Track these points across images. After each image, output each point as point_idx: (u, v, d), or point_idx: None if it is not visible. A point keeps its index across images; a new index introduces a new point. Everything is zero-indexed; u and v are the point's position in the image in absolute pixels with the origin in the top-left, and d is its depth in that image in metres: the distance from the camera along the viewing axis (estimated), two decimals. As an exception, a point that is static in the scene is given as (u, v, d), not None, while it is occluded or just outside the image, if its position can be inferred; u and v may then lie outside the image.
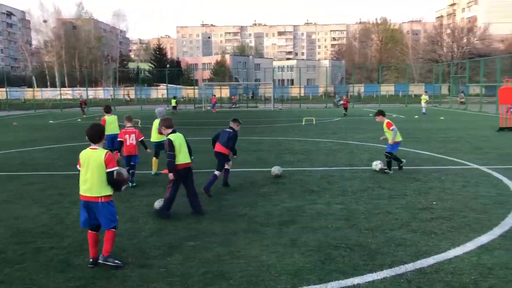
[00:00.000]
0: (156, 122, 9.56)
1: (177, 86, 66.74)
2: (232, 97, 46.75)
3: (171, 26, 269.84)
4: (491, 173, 9.32)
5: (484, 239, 5.38)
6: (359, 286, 4.23)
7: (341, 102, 29.88)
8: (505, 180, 8.60)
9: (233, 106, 44.19)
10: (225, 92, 57.43)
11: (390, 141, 9.56)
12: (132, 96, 62.70)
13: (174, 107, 36.25)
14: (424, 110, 29.52)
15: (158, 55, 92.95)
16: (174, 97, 38.23)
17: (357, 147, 13.66)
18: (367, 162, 10.87)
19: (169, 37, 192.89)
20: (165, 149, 6.62)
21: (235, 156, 8.55)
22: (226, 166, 8.28)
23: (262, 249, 5.22)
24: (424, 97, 30.25)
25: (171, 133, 6.61)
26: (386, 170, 9.49)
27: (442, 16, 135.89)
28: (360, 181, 8.78)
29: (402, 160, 9.86)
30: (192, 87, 52.02)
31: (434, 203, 7.04)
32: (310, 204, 7.11)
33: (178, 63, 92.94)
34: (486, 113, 28.27)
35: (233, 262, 4.85)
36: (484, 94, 44.84)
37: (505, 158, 11.18)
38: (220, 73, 75.48)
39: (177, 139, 6.54)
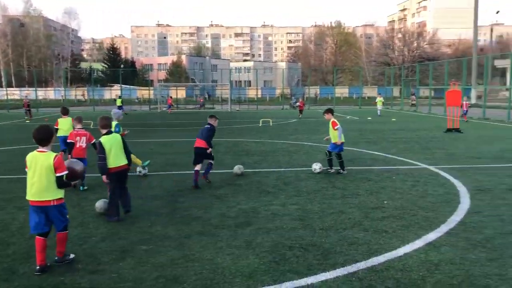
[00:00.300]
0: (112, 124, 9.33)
1: (132, 86, 65.34)
2: (200, 98, 45.50)
3: (125, 25, 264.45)
4: (439, 172, 9.70)
5: (431, 236, 5.58)
6: (312, 286, 4.27)
7: (298, 104, 29.89)
8: (452, 179, 8.97)
9: (201, 107, 43.64)
10: (181, 93, 56.82)
11: (334, 141, 9.73)
12: (86, 97, 60.79)
13: (120, 107, 34.66)
14: (379, 113, 30.31)
15: (112, 55, 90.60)
16: (119, 97, 36.77)
17: (312, 148, 13.85)
18: (322, 163, 11.02)
19: (123, 36, 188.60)
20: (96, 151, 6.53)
21: (210, 150, 8.77)
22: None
23: (216, 251, 5.17)
24: (380, 100, 31.01)
25: (106, 133, 6.49)
26: (340, 171, 9.65)
27: (393, 21, 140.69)
28: (315, 181, 8.91)
29: (331, 169, 9.78)
30: (147, 87, 51.08)
31: (385, 202, 7.24)
32: (266, 205, 7.13)
33: (132, 63, 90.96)
34: (435, 115, 29.50)
35: (187, 265, 4.78)
36: (433, 97, 46.74)
37: (452, 158, 11.68)
38: (176, 73, 74.57)
39: (108, 141, 6.40)
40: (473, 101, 45.30)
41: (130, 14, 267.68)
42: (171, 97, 42.96)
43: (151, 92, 49.99)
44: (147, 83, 57.72)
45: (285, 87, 69.07)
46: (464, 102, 23.40)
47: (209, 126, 8.97)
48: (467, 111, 23.77)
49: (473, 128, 19.93)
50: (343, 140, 9.82)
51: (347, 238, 5.55)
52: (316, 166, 9.73)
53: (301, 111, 29.29)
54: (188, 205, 7.16)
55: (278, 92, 69.52)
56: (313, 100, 51.85)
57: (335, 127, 9.72)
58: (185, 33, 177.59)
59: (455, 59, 50.32)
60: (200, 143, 8.68)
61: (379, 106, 30.85)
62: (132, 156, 9.18)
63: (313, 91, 64.43)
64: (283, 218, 6.43)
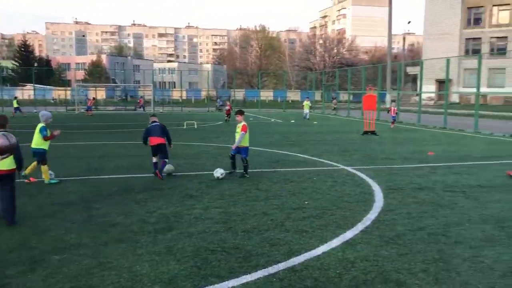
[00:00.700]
0: (37, 127, 8.79)
1: (47, 86, 61.54)
2: (139, 100, 43.04)
3: (39, 21, 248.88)
4: (356, 173, 10.17)
5: (348, 234, 5.81)
6: (234, 289, 4.25)
7: (226, 107, 28.55)
8: (367, 179, 9.44)
9: (139, 108, 41.77)
10: (101, 94, 54.52)
11: (242, 144, 9.56)
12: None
13: (16, 109, 32.16)
14: (307, 116, 30.27)
15: (24, 52, 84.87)
16: (15, 98, 33.97)
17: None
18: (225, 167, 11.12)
19: (37, 33, 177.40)
20: None
21: (171, 146, 9.95)
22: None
23: (135, 258, 4.98)
24: (307, 103, 31.04)
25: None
26: (245, 174, 9.53)
27: (315, 27, 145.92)
28: (239, 184, 8.93)
29: (235, 170, 9.76)
30: (64, 88, 48.38)
31: (306, 202, 7.44)
32: (188, 209, 7.01)
33: (47, 62, 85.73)
34: (353, 118, 30.95)
35: (103, 274, 4.55)
36: (352, 101, 49.09)
37: (367, 159, 12.30)
38: (96, 73, 71.44)
39: None
40: (388, 105, 48.23)
41: (44, 9, 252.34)
42: (93, 98, 40.92)
43: (68, 92, 47.41)
44: (64, 83, 54.74)
45: (211, 89, 68.95)
46: (392, 108, 23.44)
47: (160, 123, 10.00)
48: (395, 117, 23.17)
49: (387, 131, 21.17)
50: (245, 145, 9.66)
51: (269, 239, 5.61)
52: (218, 174, 9.26)
53: (228, 115, 27.78)
54: (106, 211, 6.84)
55: (203, 94, 69.15)
56: (241, 103, 52.27)
57: (242, 132, 9.52)
58: (106, 32, 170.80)
59: (371, 65, 53.23)
60: (159, 140, 9.65)
61: (306, 109, 30.81)
62: (39, 168, 8.70)
63: (239, 94, 64.88)
64: (205, 221, 6.36)
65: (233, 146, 9.67)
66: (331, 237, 5.70)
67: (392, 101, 31.83)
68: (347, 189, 8.45)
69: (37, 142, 8.74)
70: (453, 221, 6.42)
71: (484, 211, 6.92)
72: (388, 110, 23.31)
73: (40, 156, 8.71)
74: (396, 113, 23.19)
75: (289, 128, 23.02)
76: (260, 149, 14.24)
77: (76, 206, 7.13)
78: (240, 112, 9.93)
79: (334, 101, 40.62)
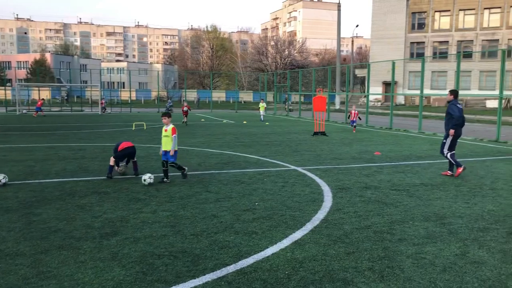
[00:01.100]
0: None
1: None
2: (101, 101, 40.50)
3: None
4: (306, 173, 10.29)
5: (297, 234, 5.84)
6: (181, 295, 4.15)
7: (184, 108, 26.13)
8: (317, 179, 9.57)
9: (104, 111, 39.43)
10: (45, 94, 52.25)
11: (168, 148, 9.00)
12: None
13: None
14: (262, 118, 30.11)
15: (-40, 49, 79.88)
16: None
17: (188, 152, 13.72)
18: (196, 166, 11.00)
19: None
20: None
21: None
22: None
23: (78, 266, 4.76)
24: (262, 105, 30.64)
25: None
26: (164, 180, 9.05)
27: (267, 29, 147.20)
28: (189, 186, 8.79)
29: (185, 167, 9.47)
30: (3, 87, 45.96)
31: (256, 203, 7.42)
32: (135, 213, 6.81)
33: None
34: (304, 119, 31.44)
35: (43, 284, 4.31)
36: (303, 102, 49.87)
37: (317, 159, 12.49)
38: (40, 73, 68.37)
39: None
40: (337, 106, 49.42)
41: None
42: (43, 99, 38.95)
43: (9, 92, 45.07)
44: (3, 82, 52.03)
45: (161, 89, 67.82)
46: (353, 111, 21.74)
47: None
48: (355, 121, 21.63)
49: (336, 131, 21.65)
50: (176, 149, 9.15)
51: (218, 242, 5.54)
52: (146, 177, 8.79)
53: (185, 116, 26.01)
54: (47, 217, 6.51)
55: (154, 94, 67.91)
56: (194, 104, 51.77)
57: (173, 135, 9.01)
58: (50, 30, 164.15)
59: (321, 67, 54.32)
60: (128, 143, 9.95)
61: (262, 111, 30.55)
62: None
63: (191, 94, 64.21)
64: (153, 225, 6.19)
65: (171, 152, 9.00)
66: (280, 238, 5.71)
67: (352, 104, 31.21)
68: (297, 190, 8.52)
69: None
70: (397, 219, 6.62)
71: (426, 209, 7.19)
72: (349, 115, 21.48)
73: None
74: (359, 117, 21.84)
75: (241, 129, 23.03)
76: (211, 150, 14.14)
77: (15, 213, 6.74)
78: (167, 115, 9.21)
79: (289, 102, 41.06)
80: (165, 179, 9.08)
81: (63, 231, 5.90)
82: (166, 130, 9.10)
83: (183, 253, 5.15)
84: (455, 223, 6.44)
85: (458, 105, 10.17)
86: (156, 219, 6.51)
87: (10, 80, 65.54)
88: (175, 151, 9.09)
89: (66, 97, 55.18)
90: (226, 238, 5.68)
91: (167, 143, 9.05)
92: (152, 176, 8.86)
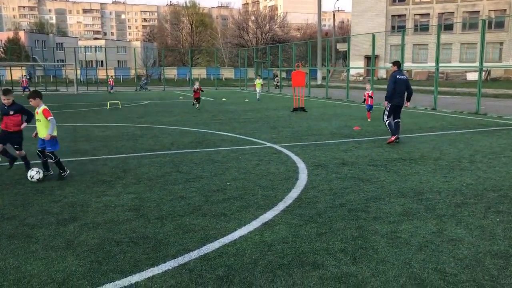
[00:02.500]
0: None
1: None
2: (109, 80, 38.70)
3: None
4: (282, 150, 9.98)
5: (268, 215, 5.54)
6: (137, 285, 3.82)
7: (195, 87, 20.66)
8: (293, 156, 9.27)
9: (26, 90, 38.35)
10: (19, 74, 50.64)
11: (46, 136, 7.32)
12: None
13: None
14: (258, 96, 27.02)
15: None
16: None
17: (162, 130, 13.27)
18: (169, 146, 10.60)
19: None
20: None
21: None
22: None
23: (27, 256, 4.38)
24: (259, 82, 27.68)
25: None
26: (62, 174, 7.46)
27: (247, 3, 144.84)
28: (159, 166, 8.40)
29: (66, 170, 7.58)
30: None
31: (228, 183, 7.09)
32: (99, 196, 6.41)
33: (-44, 38, 78.23)
34: (285, 95, 31.04)
35: (-15, 279, 3.93)
36: (284, 78, 49.35)
37: (295, 135, 12.18)
38: (14, 52, 66.17)
39: None
40: (319, 82, 49.07)
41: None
42: (28, 78, 37.71)
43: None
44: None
45: (141, 67, 66.40)
46: (367, 93, 15.86)
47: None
48: (372, 106, 15.92)
49: (316, 107, 21.35)
50: (55, 134, 7.51)
51: (183, 225, 5.21)
52: (33, 173, 7.25)
53: (197, 99, 20.71)
54: (1, 204, 6.08)
55: (132, 72, 66.48)
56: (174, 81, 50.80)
57: (48, 118, 7.32)
58: (23, 7, 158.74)
59: (302, 41, 53.66)
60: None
61: (258, 89, 27.30)
62: None
63: (170, 72, 63.08)
64: (115, 209, 5.81)
65: (46, 137, 7.30)
66: (250, 220, 5.40)
67: (366, 82, 25.90)
68: (272, 168, 8.21)
69: None
70: (373, 195, 6.36)
71: (404, 184, 6.96)
72: (364, 99, 15.91)
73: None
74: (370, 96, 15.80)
75: (219, 106, 22.55)
76: (186, 129, 13.71)
77: (-33, 199, 6.29)
78: (35, 94, 7.49)
79: (277, 78, 40.20)
80: (63, 173, 7.45)
81: (17, 218, 5.49)
82: (37, 113, 7.42)
83: (145, 239, 4.81)
84: (433, 198, 6.21)
85: (399, 76, 10.72)
86: (120, 202, 6.13)
87: (-18, 60, 63.37)
88: (53, 138, 7.40)
89: (28, 77, 52.25)
90: (192, 221, 5.35)
91: (41, 129, 7.39)
92: (41, 171, 7.35)
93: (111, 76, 39.71)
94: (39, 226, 5.21)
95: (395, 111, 10.87)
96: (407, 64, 45.72)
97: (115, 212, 5.70)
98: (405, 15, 57.38)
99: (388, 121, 10.89)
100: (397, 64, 10.89)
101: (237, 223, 5.27)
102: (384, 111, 11.07)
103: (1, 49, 72.52)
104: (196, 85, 20.58)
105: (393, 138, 10.67)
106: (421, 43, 54.14)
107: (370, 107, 15.78)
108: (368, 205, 5.92)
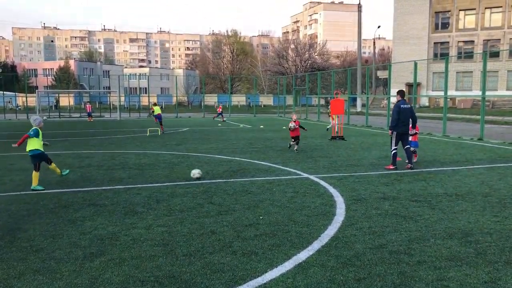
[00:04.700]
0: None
1: (8, 93, 59.24)
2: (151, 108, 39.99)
3: (6, 26, 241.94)
4: (319, 181, 9.61)
5: (302, 256, 5.19)
6: (158, 333, 3.56)
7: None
8: (331, 188, 8.89)
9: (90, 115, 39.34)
10: (68, 100, 52.85)
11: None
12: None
13: None
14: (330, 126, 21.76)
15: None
16: None
17: (198, 159, 13.20)
18: (204, 175, 10.43)
19: (3, 38, 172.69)
20: None
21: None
22: None
23: (50, 294, 4.24)
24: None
25: None
26: None
27: (287, 32, 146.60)
28: (192, 197, 8.23)
29: None
30: (28, 94, 46.57)
31: (261, 218, 6.80)
32: (128, 229, 6.27)
33: (12, 67, 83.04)
34: (323, 123, 30.60)
35: (6, 317, 3.80)
36: (323, 105, 48.99)
37: (333, 166, 11.77)
38: (64, 79, 69.41)
39: None
40: (358, 109, 48.35)
41: (11, 14, 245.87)
42: (89, 102, 39.52)
43: (33, 99, 45.68)
44: (31, 89, 52.84)
45: (183, 94, 67.90)
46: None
47: None
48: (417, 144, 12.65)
49: (355, 135, 20.82)
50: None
51: (212, 264, 4.94)
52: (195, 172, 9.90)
53: (296, 139, 15.08)
54: (33, 234, 6.04)
55: (175, 99, 68.02)
56: (245, 108, 51.45)
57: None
58: (75, 37, 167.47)
59: (341, 69, 53.32)
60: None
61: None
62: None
63: (211, 99, 64.13)
64: (144, 244, 5.63)
65: None
66: (282, 260, 5.07)
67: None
68: (308, 201, 7.86)
69: (40, 144, 8.98)
70: (417, 236, 5.89)
71: (450, 224, 6.43)
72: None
73: (42, 156, 9.02)
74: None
75: (256, 134, 22.42)
76: (222, 157, 13.57)
77: (0, 228, 6.29)
78: None
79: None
80: None
81: (45, 251, 5.40)
82: None
83: (170, 279, 4.57)
84: (483, 241, 5.67)
85: (403, 105, 11.10)
86: (149, 236, 5.96)
87: (36, 87, 66.72)
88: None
89: (55, 104, 53.10)
90: (221, 260, 5.07)
91: None
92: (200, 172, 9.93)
93: (154, 104, 40.79)
94: (66, 261, 5.08)
95: (401, 138, 11.21)
96: (450, 92, 44.41)
97: (143, 247, 5.51)
98: (448, 42, 56.08)
99: (394, 151, 11.25)
100: (401, 93, 11.36)
101: (268, 264, 4.95)
102: (391, 140, 11.38)
103: (53, 77, 76.14)
104: (294, 118, 15.15)
105: (391, 167, 11.12)
106: (465, 70, 52.52)
107: (415, 145, 12.34)
108: (411, 247, 5.46)
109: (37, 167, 8.88)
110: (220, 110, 35.43)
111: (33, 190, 8.68)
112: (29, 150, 8.92)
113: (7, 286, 4.42)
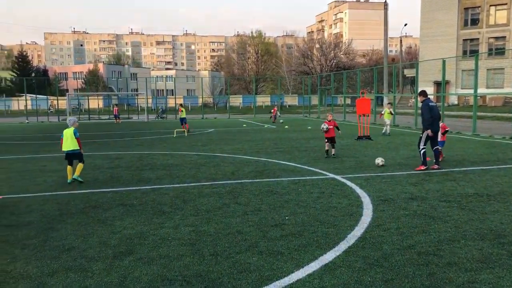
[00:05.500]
0: (67, 131, 9.83)
1: (41, 96, 60.95)
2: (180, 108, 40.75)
3: (38, 32, 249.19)
4: (346, 182, 9.53)
5: (328, 256, 5.16)
6: (186, 331, 3.61)
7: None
8: (357, 189, 8.80)
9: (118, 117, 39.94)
10: (97, 103, 54.01)
11: None
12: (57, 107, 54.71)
13: None
14: (388, 131, 20.69)
15: (22, 62, 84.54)
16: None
17: (224, 159, 13.28)
18: (229, 175, 10.51)
19: (36, 43, 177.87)
20: None
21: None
22: None
23: (81, 292, 4.35)
24: (388, 112, 21.10)
25: None
26: None
27: (312, 32, 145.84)
28: (218, 197, 8.29)
29: None
30: (58, 97, 47.86)
31: (286, 218, 6.79)
32: (156, 228, 6.37)
33: (44, 71, 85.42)
34: (349, 122, 30.31)
35: (40, 314, 3.92)
36: (349, 104, 48.56)
37: (359, 166, 11.65)
38: (93, 82, 70.97)
39: None
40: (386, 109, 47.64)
41: (43, 20, 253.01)
42: (116, 105, 40.92)
43: (63, 102, 46.92)
44: (61, 92, 54.27)
45: (208, 96, 68.46)
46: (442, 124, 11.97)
47: None
48: (444, 142, 12.47)
49: (383, 135, 20.52)
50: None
51: (238, 264, 4.97)
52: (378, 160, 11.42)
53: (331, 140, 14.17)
54: (65, 233, 6.21)
55: (200, 101, 68.65)
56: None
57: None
58: (104, 41, 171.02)
59: (367, 68, 52.69)
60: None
61: (388, 120, 20.84)
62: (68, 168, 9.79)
63: (236, 100, 64.44)
64: (171, 243, 5.72)
65: None
66: (309, 260, 5.05)
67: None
68: (334, 201, 7.81)
69: (74, 144, 9.84)
70: (446, 237, 5.77)
71: (481, 225, 6.28)
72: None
73: (79, 156, 9.97)
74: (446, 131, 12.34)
75: (281, 134, 22.40)
76: (248, 157, 13.62)
77: (34, 228, 6.50)
78: None
79: (389, 107, 31.40)
80: None
81: (77, 250, 5.55)
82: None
83: (197, 278, 4.62)
84: (516, 243, 5.52)
85: (431, 103, 10.86)
86: (177, 235, 6.04)
87: (67, 90, 68.47)
88: None
89: (78, 106, 54.22)
90: (247, 260, 5.10)
91: None
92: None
93: (181, 104, 41.41)
94: (96, 259, 5.20)
95: (432, 138, 10.81)
96: (481, 90, 43.27)
97: (171, 247, 5.59)
98: (478, 38, 54.67)
99: (423, 150, 10.85)
100: (424, 93, 11.13)
101: (295, 264, 4.95)
102: (420, 138, 10.92)
103: (83, 80, 77.95)
104: (330, 119, 13.96)
105: (422, 168, 10.76)
106: (496, 67, 51.09)
107: (442, 144, 12.09)
108: (441, 248, 5.36)
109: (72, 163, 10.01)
110: (275, 111, 33.53)
111: (74, 180, 9.83)
112: (71, 150, 9.89)
113: (41, 283, 4.56)
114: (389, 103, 22.85)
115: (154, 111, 50.21)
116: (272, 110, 34.55)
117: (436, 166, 10.92)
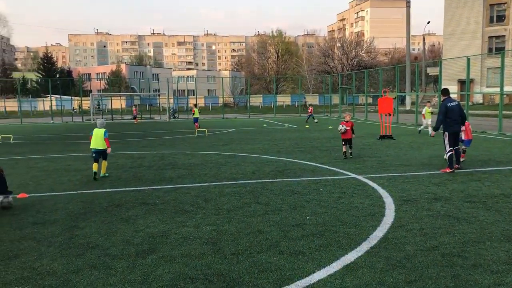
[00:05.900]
0: (98, 131, 10.58)
1: (65, 97, 62.18)
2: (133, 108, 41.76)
3: (63, 33, 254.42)
4: (367, 182, 9.44)
5: (350, 257, 5.12)
6: (208, 329, 3.64)
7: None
8: (379, 189, 8.71)
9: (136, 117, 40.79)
10: (119, 103, 54.81)
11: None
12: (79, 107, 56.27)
13: None
14: (430, 131, 16.03)
15: (47, 64, 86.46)
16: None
17: (244, 159, 13.31)
18: (250, 175, 10.53)
19: (60, 45, 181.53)
20: None
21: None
22: None
23: (105, 289, 4.42)
24: (429, 110, 20.14)
25: None
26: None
27: (333, 30, 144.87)
28: (239, 196, 8.32)
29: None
30: (83, 98, 48.76)
31: (307, 218, 6.77)
32: (178, 227, 6.43)
33: (68, 72, 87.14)
34: (371, 122, 30.01)
35: (65, 310, 4.00)
36: (371, 103, 48.08)
37: (381, 166, 11.52)
38: (116, 83, 72.05)
39: None
40: (408, 107, 47.01)
41: (67, 22, 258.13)
42: (135, 105, 41.70)
43: (87, 102, 47.81)
44: (85, 93, 55.28)
45: (228, 95, 68.71)
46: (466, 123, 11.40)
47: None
48: (470, 141, 11.90)
49: (405, 135, 20.26)
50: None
51: (259, 263, 4.98)
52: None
53: (348, 142, 13.64)
54: (89, 231, 6.32)
55: (221, 101, 68.97)
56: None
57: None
58: (126, 42, 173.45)
59: (389, 67, 52.04)
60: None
61: (429, 120, 19.95)
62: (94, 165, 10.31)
63: (256, 100, 64.50)
64: (193, 242, 5.76)
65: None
66: (330, 260, 5.03)
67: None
68: (356, 201, 7.74)
69: (102, 143, 10.55)
70: (471, 238, 5.66)
71: (508, 226, 6.14)
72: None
73: (105, 154, 10.65)
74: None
75: (302, 133, 22.32)
76: (268, 157, 13.62)
77: (60, 226, 6.64)
78: None
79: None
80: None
81: (101, 247, 5.64)
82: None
83: (219, 277, 4.65)
84: (545, 245, 5.37)
85: (450, 104, 10.44)
86: (198, 234, 6.08)
87: (90, 91, 69.77)
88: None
89: (98, 106, 54.76)
90: (268, 259, 5.10)
91: None
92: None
93: (194, 105, 41.98)
94: (120, 257, 5.28)
95: (454, 139, 10.56)
96: (507, 88, 42.17)
97: (192, 245, 5.64)
98: (504, 36, 53.37)
99: (450, 153, 10.48)
100: (445, 91, 10.78)
101: (316, 264, 4.92)
102: (444, 141, 10.67)
103: (106, 81, 79.24)
104: (347, 119, 13.43)
105: (449, 170, 10.38)
106: (524, 64, 49.74)
107: (468, 143, 11.78)
108: (465, 250, 5.26)
109: (98, 160, 10.59)
110: (311, 110, 32.62)
111: (102, 176, 10.52)
112: (100, 148, 10.60)
113: (66, 280, 4.66)
114: (428, 102, 21.91)
115: (175, 111, 50.68)
116: (308, 109, 32.93)
117: (456, 166, 10.65)
